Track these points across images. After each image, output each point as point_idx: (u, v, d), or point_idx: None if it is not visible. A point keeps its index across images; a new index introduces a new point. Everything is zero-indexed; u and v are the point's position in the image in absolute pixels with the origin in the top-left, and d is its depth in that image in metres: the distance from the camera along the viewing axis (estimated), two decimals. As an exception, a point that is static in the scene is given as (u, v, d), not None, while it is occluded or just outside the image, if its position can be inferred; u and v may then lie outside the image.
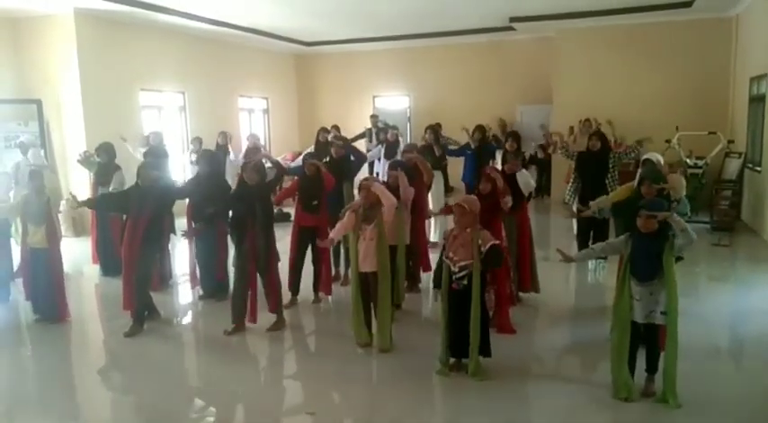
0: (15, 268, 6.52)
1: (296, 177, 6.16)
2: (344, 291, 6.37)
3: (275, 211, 5.62)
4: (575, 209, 7.12)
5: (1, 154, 8.74)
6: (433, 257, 6.35)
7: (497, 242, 4.16)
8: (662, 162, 5.78)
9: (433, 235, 8.38)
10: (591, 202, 5.70)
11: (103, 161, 7.02)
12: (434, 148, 8.27)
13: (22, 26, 9.36)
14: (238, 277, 5.19)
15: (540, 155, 11.76)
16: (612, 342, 3.90)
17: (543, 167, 11.94)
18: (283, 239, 5.50)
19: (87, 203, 5.78)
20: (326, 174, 5.78)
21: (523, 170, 5.86)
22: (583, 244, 7.27)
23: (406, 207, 5.55)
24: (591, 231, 7.09)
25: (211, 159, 6.28)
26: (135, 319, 5.29)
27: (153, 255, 5.41)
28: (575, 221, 8.27)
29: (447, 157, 8.95)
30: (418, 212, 6.00)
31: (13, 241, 6.48)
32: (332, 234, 4.99)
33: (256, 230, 5.04)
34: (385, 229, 4.67)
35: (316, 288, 6.06)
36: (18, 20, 9.31)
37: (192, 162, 9.86)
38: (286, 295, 5.66)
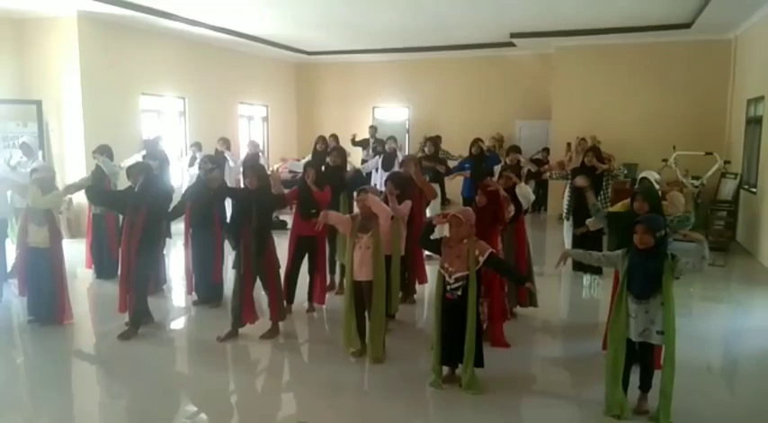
0: (9, 268, 6.52)
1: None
2: (339, 300, 6.35)
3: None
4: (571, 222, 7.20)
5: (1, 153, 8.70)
6: (429, 270, 6.39)
7: (494, 251, 4.19)
8: (658, 180, 5.79)
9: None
10: (588, 221, 5.57)
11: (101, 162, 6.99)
12: (436, 163, 8.43)
13: (26, 27, 9.37)
14: (236, 281, 5.19)
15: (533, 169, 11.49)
16: (608, 359, 3.87)
17: (540, 182, 11.94)
18: (278, 247, 5.46)
19: (69, 191, 5.83)
20: (317, 193, 5.77)
21: (522, 184, 5.87)
22: (575, 259, 7.30)
23: (402, 220, 5.55)
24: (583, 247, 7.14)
25: (216, 163, 6.29)
26: (131, 323, 5.26)
27: (150, 259, 5.38)
28: (566, 236, 8.29)
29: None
30: (414, 225, 5.99)
31: (8, 241, 6.47)
32: (328, 216, 4.75)
33: (250, 235, 5.05)
34: (381, 239, 4.67)
35: (311, 297, 6.06)
36: (21, 21, 9.32)
37: (190, 166, 9.87)
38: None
